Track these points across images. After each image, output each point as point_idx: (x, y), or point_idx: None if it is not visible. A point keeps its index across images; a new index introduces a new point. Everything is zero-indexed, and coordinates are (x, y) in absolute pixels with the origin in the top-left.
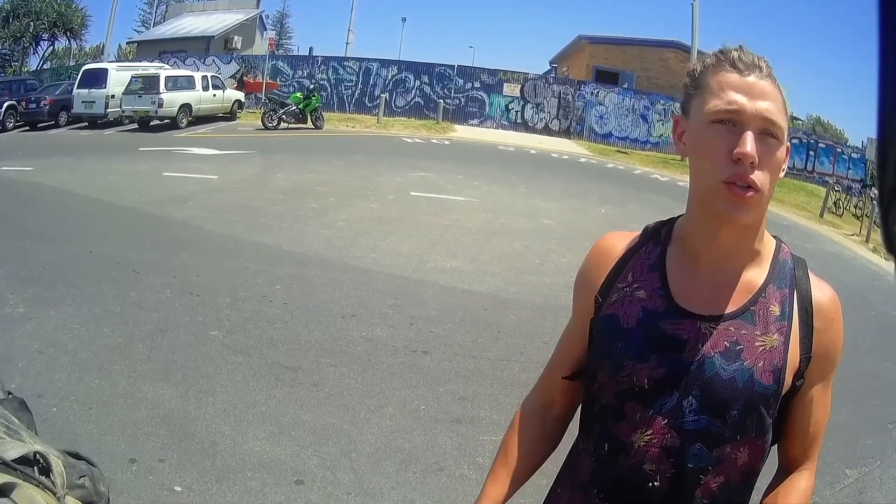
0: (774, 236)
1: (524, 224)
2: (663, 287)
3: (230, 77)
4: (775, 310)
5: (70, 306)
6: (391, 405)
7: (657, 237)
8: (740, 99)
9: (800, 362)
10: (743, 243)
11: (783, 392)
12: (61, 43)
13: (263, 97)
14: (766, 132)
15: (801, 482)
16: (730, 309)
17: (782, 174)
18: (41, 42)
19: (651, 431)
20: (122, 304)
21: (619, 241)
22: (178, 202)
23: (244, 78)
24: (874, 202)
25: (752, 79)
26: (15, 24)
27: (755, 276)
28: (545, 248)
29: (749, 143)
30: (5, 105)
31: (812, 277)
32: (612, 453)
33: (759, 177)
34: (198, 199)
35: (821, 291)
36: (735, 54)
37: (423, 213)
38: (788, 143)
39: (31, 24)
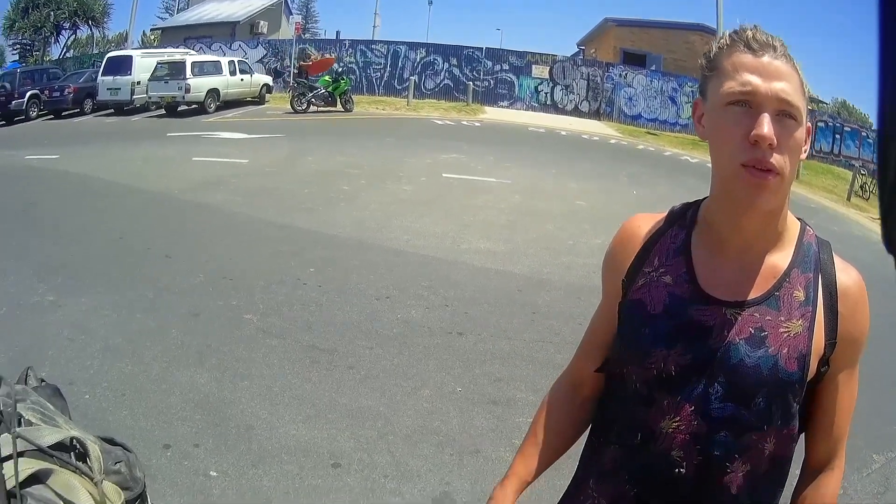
0: (799, 219)
1: (556, 205)
2: (689, 272)
3: (300, 63)
4: (799, 295)
5: (100, 293)
6: (427, 387)
7: (682, 220)
8: (755, 80)
9: (825, 348)
10: (767, 227)
11: (808, 378)
12: (83, 31)
13: (292, 81)
14: (784, 113)
15: (830, 486)
16: (754, 294)
17: (804, 156)
18: (63, 31)
19: (679, 418)
20: (154, 289)
21: (645, 224)
22: (209, 187)
23: (304, 62)
24: None
25: (766, 59)
26: (35, 14)
27: (779, 260)
28: (578, 230)
29: (766, 125)
30: (28, 94)
31: (837, 260)
32: (641, 440)
33: (777, 159)
34: (228, 184)
35: (846, 275)
36: (749, 34)
37: (456, 195)
38: (809, 124)
39: (52, 13)
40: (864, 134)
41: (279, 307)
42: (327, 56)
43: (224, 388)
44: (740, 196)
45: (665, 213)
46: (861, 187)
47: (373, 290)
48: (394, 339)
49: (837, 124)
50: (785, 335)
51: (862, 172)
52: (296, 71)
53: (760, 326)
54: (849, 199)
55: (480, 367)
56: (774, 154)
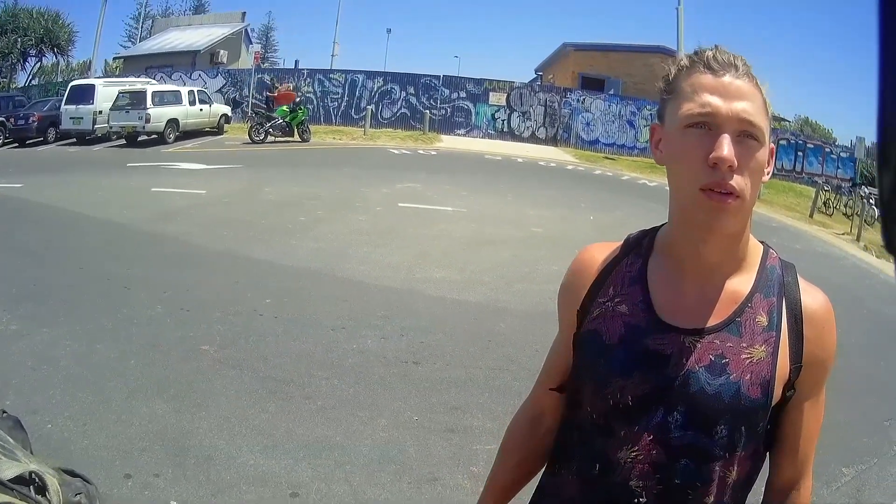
0: (762, 242)
1: (513, 233)
2: (645, 301)
3: (267, 92)
4: (762, 320)
5: (62, 323)
6: (384, 416)
7: (639, 248)
8: (714, 101)
9: (790, 372)
10: (728, 252)
11: (773, 403)
12: (49, 59)
13: (250, 111)
14: (745, 133)
15: None
16: (714, 321)
17: (767, 177)
18: (29, 58)
19: (637, 448)
20: (113, 320)
21: (600, 253)
22: (168, 217)
23: (270, 93)
24: (865, 200)
25: (727, 79)
26: (3, 41)
27: (741, 285)
28: (534, 257)
29: (725, 147)
30: None
31: (802, 283)
32: (600, 471)
33: (738, 181)
34: (187, 214)
35: (811, 297)
36: (709, 54)
37: (412, 225)
38: (772, 145)
39: (19, 40)
40: (827, 150)
41: (236, 338)
42: (290, 90)
43: (183, 418)
44: (699, 220)
45: (621, 242)
46: (824, 203)
47: (329, 321)
48: (350, 370)
49: (800, 141)
50: (747, 361)
51: (825, 189)
52: (262, 101)
53: (721, 353)
54: (811, 215)
55: (437, 395)
56: (735, 176)
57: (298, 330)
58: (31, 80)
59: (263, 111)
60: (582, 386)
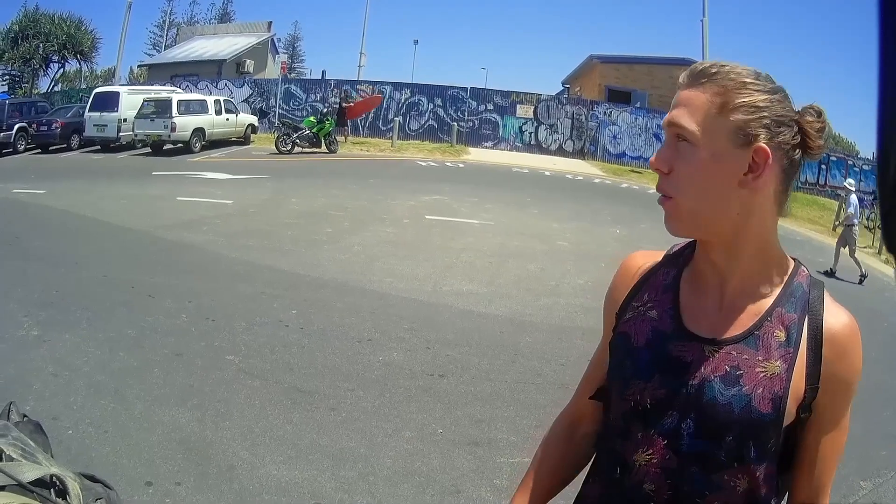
0: (794, 258)
1: (539, 246)
2: (674, 308)
3: (332, 104)
4: (780, 335)
5: (85, 329)
6: (408, 428)
7: (677, 259)
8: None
9: (805, 392)
10: (742, 266)
11: (786, 422)
12: (72, 65)
13: (277, 122)
14: (678, 136)
15: None
16: (734, 333)
17: (753, 182)
18: (51, 64)
19: (651, 451)
20: (137, 328)
21: (643, 261)
22: (193, 227)
23: (346, 104)
24: None
25: (678, 92)
26: (24, 46)
27: (764, 298)
28: (560, 270)
29: (656, 154)
30: (16, 127)
31: (828, 303)
32: (618, 473)
33: (668, 184)
34: (212, 224)
35: (835, 318)
36: (687, 71)
37: (439, 237)
38: (762, 145)
39: (41, 45)
40: (850, 162)
41: (261, 349)
42: (374, 94)
43: (206, 427)
44: None
45: (663, 252)
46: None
47: (355, 333)
48: (375, 382)
49: (823, 154)
50: (761, 375)
51: None
52: (333, 112)
53: (736, 365)
54: (834, 229)
55: (462, 408)
56: (667, 180)
57: (324, 341)
58: (53, 87)
59: (290, 121)
60: (610, 387)
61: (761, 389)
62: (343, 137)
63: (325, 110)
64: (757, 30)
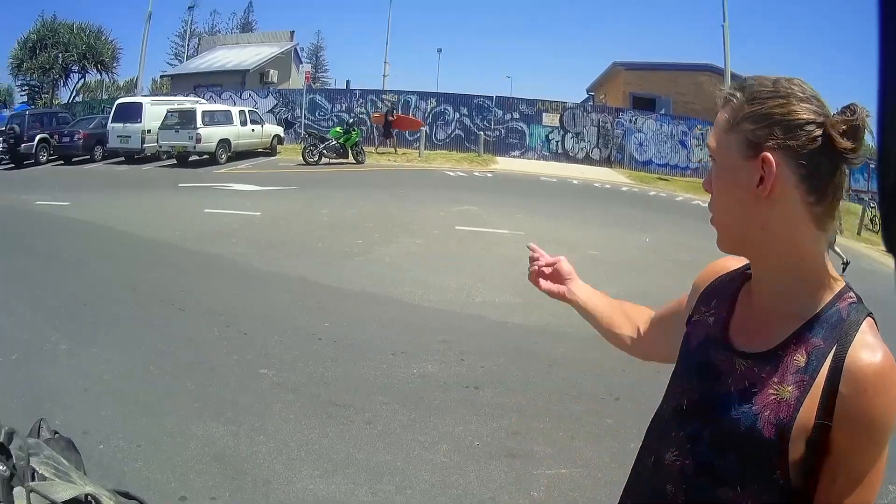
0: (846, 282)
1: (570, 255)
2: (727, 318)
3: (357, 114)
4: (800, 360)
5: (115, 343)
6: (444, 441)
7: (746, 270)
8: None
9: (813, 427)
10: (767, 280)
11: (793, 455)
12: (92, 75)
13: (304, 132)
14: (711, 157)
15: None
16: (760, 349)
17: (763, 193)
18: (71, 74)
19: (677, 452)
20: (168, 341)
21: (724, 267)
22: (222, 238)
23: (392, 116)
24: None
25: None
26: (43, 55)
27: (795, 319)
28: (591, 279)
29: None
30: (38, 138)
31: (863, 333)
32: (653, 465)
33: (710, 202)
34: (241, 236)
35: (864, 351)
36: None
37: (470, 247)
38: (767, 155)
39: (60, 55)
40: (872, 166)
41: (295, 362)
42: (418, 120)
43: (240, 442)
44: None
45: (745, 262)
46: (871, 220)
47: (388, 345)
48: (411, 394)
49: (864, 158)
50: (772, 397)
51: (871, 206)
52: (360, 122)
53: (754, 382)
54: (859, 233)
55: (497, 420)
56: (710, 199)
57: (358, 354)
58: (74, 97)
59: (317, 132)
60: (669, 384)
61: (768, 412)
62: (393, 149)
63: (351, 120)
64: (779, 30)
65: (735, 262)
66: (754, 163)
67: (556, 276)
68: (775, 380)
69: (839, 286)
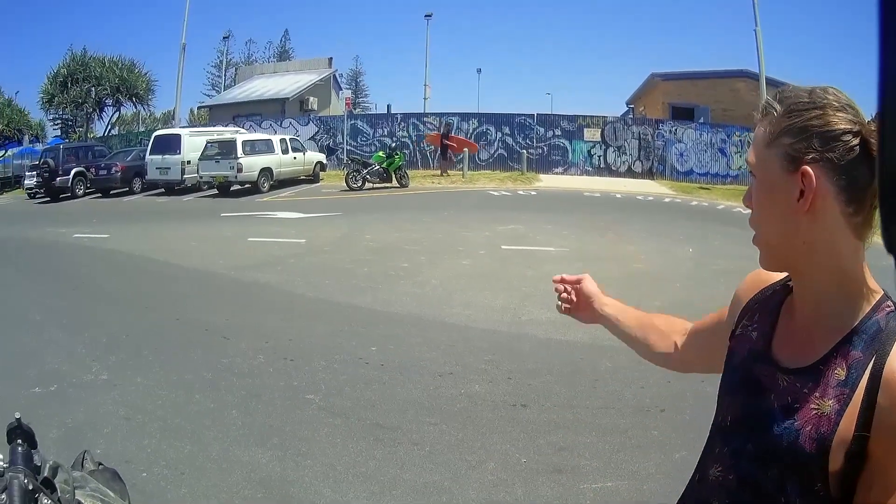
0: (884, 291)
1: (615, 270)
2: (770, 332)
3: (400, 138)
4: (841, 373)
5: (157, 373)
6: (492, 459)
7: (787, 284)
8: None
9: (852, 438)
10: (820, 297)
11: (833, 467)
12: (127, 108)
13: (346, 158)
14: (751, 172)
15: None
16: (802, 364)
17: (804, 206)
18: (106, 107)
19: (721, 468)
20: (212, 370)
21: (765, 279)
22: (266, 267)
23: (447, 139)
24: None
25: (755, 130)
26: (74, 89)
27: (836, 333)
28: (637, 293)
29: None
30: (74, 171)
31: None
32: (698, 481)
33: (751, 219)
34: (286, 264)
35: None
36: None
37: (515, 266)
38: (806, 168)
39: (93, 89)
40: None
41: (341, 387)
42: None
43: (286, 466)
44: None
45: (783, 274)
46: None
47: (435, 367)
48: (458, 415)
49: None
50: (814, 412)
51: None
52: (402, 146)
53: (796, 398)
54: None
55: (544, 436)
56: (751, 215)
57: (405, 376)
58: (109, 130)
59: (359, 157)
60: (718, 399)
61: (809, 427)
62: (447, 171)
63: (394, 145)
64: (812, 31)
65: (776, 274)
66: (794, 177)
67: (582, 298)
68: (817, 394)
69: (877, 296)
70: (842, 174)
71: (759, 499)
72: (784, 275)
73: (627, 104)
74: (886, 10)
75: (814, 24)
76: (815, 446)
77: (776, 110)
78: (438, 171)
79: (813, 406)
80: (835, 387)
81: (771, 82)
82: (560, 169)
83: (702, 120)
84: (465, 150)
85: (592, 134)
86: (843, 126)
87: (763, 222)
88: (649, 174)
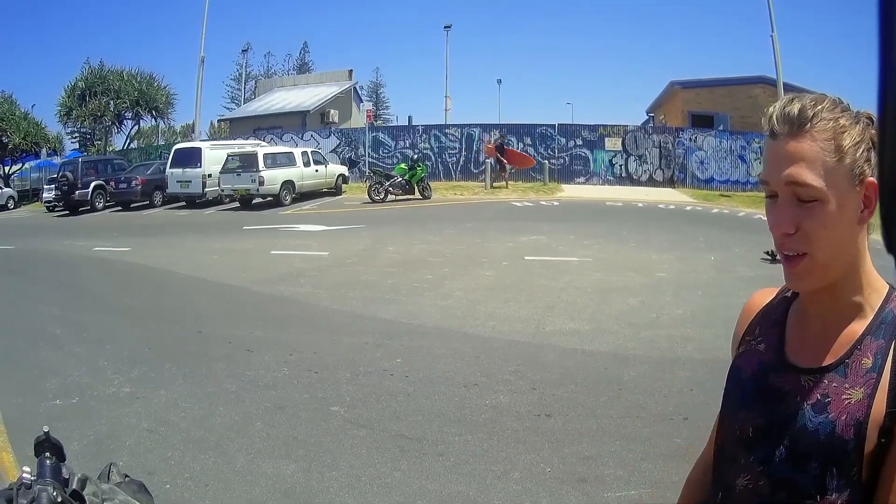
0: (889, 284)
1: (637, 279)
2: (780, 341)
3: (422, 150)
4: (867, 362)
5: (181, 386)
6: (517, 469)
7: (787, 293)
8: (769, 171)
9: (885, 416)
10: (839, 297)
11: (867, 448)
12: (147, 121)
13: (368, 171)
14: (799, 197)
15: None
16: (827, 362)
17: (868, 218)
18: (125, 121)
19: (749, 476)
20: (236, 382)
21: (761, 298)
22: (289, 279)
23: (502, 150)
24: None
25: (780, 142)
26: (93, 103)
27: (856, 327)
28: (659, 302)
29: (776, 216)
30: (93, 185)
31: None
32: (721, 498)
33: (801, 243)
34: (309, 276)
35: None
36: (774, 113)
37: (539, 277)
38: (871, 179)
39: (111, 102)
40: None
41: (366, 398)
42: (526, 155)
43: (311, 478)
44: (785, 277)
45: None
46: None
47: (460, 378)
48: (483, 425)
49: None
50: (846, 402)
51: None
52: (492, 155)
53: (826, 393)
54: None
55: (569, 446)
56: (798, 239)
57: (430, 388)
58: (129, 143)
59: (381, 169)
60: (722, 417)
61: (845, 416)
62: (504, 183)
63: (416, 156)
64: (828, 35)
65: (764, 295)
66: (860, 189)
67: None
68: (846, 386)
69: (886, 289)
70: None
71: (794, 497)
72: (777, 290)
73: (647, 113)
74: (886, 10)
75: (828, 28)
76: (852, 432)
77: (828, 124)
78: (503, 184)
79: (845, 397)
80: (863, 375)
81: (789, 88)
82: (582, 179)
83: (721, 127)
84: (529, 165)
85: (613, 143)
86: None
87: (824, 242)
88: (670, 182)
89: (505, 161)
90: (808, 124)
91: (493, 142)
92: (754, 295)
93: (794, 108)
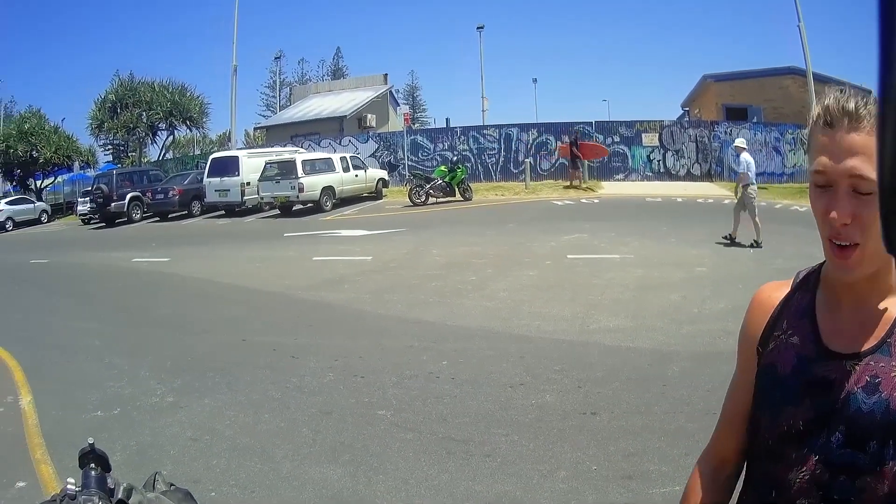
0: None
1: (678, 274)
2: (814, 332)
3: (461, 151)
4: None
5: (225, 394)
6: (563, 468)
7: (807, 284)
8: (825, 161)
9: None
10: (876, 282)
11: None
12: (181, 132)
13: (408, 174)
14: (859, 188)
15: None
16: (869, 344)
17: None
18: (159, 131)
19: (805, 468)
20: (281, 389)
21: (775, 292)
22: (332, 285)
23: (575, 148)
24: None
25: (839, 134)
26: (125, 115)
27: (893, 309)
28: (700, 297)
29: (838, 205)
30: (129, 196)
31: None
32: (776, 496)
33: (855, 234)
34: (353, 282)
35: None
36: (829, 104)
37: (582, 275)
38: None
39: (144, 114)
40: None
41: (412, 401)
42: (599, 144)
43: (359, 482)
44: (830, 268)
45: (791, 280)
46: None
47: (506, 379)
48: (529, 425)
49: None
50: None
51: None
52: (463, 160)
53: (875, 374)
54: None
55: (614, 443)
56: (853, 229)
57: (476, 389)
58: (164, 154)
59: (421, 173)
60: (760, 416)
61: None
62: (578, 181)
63: (455, 158)
64: (856, 21)
65: (773, 288)
66: None
67: None
68: (894, 363)
69: None
70: None
71: (853, 476)
72: (789, 282)
73: (682, 107)
74: (886, 10)
75: (855, 16)
76: None
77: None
78: (578, 183)
79: (894, 374)
80: None
81: (818, 78)
82: (621, 175)
83: (755, 119)
84: (603, 156)
85: (650, 139)
86: None
87: (876, 233)
88: (708, 176)
89: (580, 156)
90: (865, 120)
91: (566, 141)
92: (762, 288)
93: (851, 104)
